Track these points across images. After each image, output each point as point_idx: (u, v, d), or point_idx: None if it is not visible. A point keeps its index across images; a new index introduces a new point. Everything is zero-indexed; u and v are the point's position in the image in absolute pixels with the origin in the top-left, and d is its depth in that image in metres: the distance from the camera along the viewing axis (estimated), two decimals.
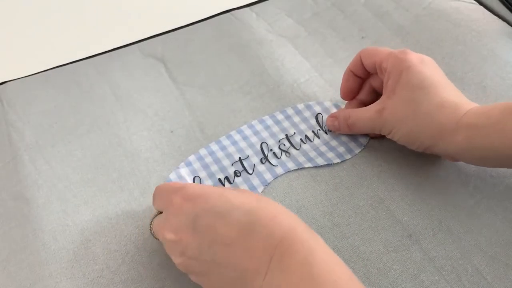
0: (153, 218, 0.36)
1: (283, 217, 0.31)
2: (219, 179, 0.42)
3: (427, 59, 0.40)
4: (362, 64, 0.42)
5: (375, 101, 0.41)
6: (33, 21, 0.57)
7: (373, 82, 0.43)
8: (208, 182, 0.41)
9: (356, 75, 0.43)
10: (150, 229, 0.37)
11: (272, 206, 0.32)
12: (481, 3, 0.54)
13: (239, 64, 0.51)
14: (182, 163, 0.43)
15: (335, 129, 0.43)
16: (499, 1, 0.54)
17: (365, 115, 0.41)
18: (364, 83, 0.44)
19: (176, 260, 0.32)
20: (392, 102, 0.39)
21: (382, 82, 0.41)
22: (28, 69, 0.51)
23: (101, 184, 0.42)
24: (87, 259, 0.37)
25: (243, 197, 0.32)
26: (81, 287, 0.36)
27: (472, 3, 0.54)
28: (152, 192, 0.36)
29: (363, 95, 0.44)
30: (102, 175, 0.42)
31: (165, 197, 0.34)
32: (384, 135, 0.41)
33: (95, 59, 0.52)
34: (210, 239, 0.30)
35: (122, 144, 0.44)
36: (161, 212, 0.35)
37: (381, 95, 0.41)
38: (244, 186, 0.41)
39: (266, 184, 0.41)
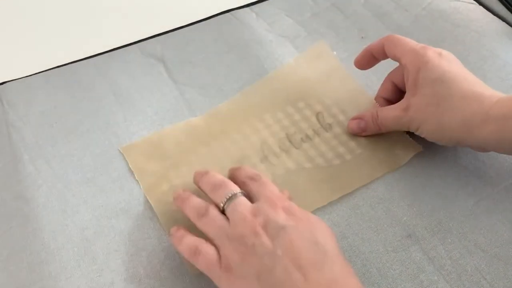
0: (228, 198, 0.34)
1: None
2: None
3: (446, 52, 0.40)
4: (383, 49, 0.42)
5: (398, 98, 0.41)
6: (33, 21, 0.57)
7: (394, 79, 0.43)
8: None
9: (374, 56, 0.44)
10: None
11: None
12: (480, 3, 0.54)
13: (239, 64, 0.51)
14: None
15: (361, 130, 0.43)
16: (499, 1, 0.54)
17: (392, 114, 0.41)
18: (385, 80, 0.44)
19: (233, 250, 0.32)
20: (416, 99, 0.39)
21: (403, 79, 0.41)
22: (28, 69, 0.51)
23: (100, 184, 0.42)
24: (87, 259, 0.37)
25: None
26: (81, 287, 0.36)
27: (471, 3, 0.54)
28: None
29: (385, 93, 0.44)
30: (102, 174, 0.42)
31: (269, 192, 0.34)
32: (412, 131, 0.40)
33: (95, 59, 0.52)
34: (288, 254, 0.30)
35: (122, 144, 0.44)
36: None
37: (403, 92, 0.41)
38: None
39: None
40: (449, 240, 0.37)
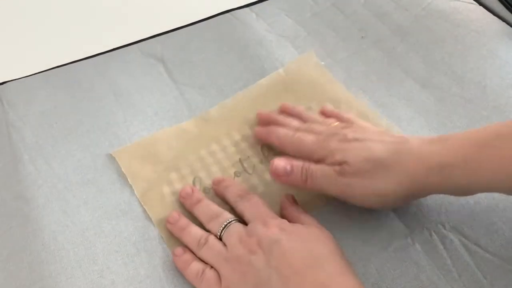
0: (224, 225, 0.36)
1: None
2: None
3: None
4: None
5: None
6: (33, 21, 0.57)
7: None
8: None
9: None
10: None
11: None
12: (480, 3, 0.54)
13: (239, 64, 0.51)
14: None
15: (285, 174, 0.37)
16: (499, 1, 0.54)
17: (326, 171, 0.36)
18: None
19: (232, 270, 0.34)
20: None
21: None
22: (28, 69, 0.51)
23: (101, 185, 0.42)
24: (87, 260, 0.37)
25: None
26: (81, 287, 0.36)
27: (471, 3, 0.54)
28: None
29: None
30: (102, 176, 0.42)
31: (261, 212, 0.37)
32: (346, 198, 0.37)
33: (95, 59, 0.52)
34: (282, 264, 0.32)
35: (122, 144, 0.44)
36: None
37: None
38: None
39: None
40: (449, 240, 0.37)
